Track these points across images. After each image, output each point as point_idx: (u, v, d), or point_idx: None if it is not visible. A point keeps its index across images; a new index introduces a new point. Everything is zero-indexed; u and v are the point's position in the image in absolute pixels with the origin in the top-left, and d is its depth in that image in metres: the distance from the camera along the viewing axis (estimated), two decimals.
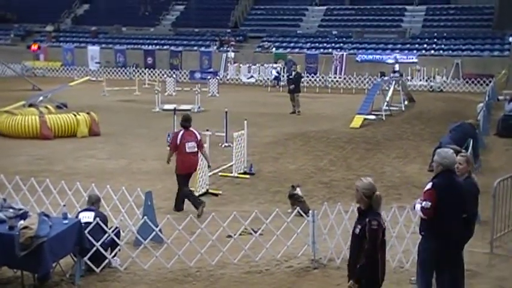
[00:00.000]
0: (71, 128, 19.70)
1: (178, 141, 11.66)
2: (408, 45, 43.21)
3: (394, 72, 40.57)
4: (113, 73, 44.13)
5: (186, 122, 11.80)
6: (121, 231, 8.89)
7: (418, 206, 6.87)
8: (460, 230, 6.86)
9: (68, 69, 46.00)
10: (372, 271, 5.84)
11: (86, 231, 8.02)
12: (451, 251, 6.81)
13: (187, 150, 11.62)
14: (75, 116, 19.95)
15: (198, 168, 12.24)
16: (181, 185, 11.70)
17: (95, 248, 8.09)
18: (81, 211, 8.56)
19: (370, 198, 6.12)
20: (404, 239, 8.72)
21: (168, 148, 12.38)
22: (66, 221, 7.82)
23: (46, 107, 22.01)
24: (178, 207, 11.68)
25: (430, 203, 6.67)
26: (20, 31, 52.71)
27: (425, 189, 6.86)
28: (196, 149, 11.76)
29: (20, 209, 7.97)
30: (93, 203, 8.72)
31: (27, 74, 42.70)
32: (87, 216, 8.36)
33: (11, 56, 45.13)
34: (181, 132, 11.78)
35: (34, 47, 48.53)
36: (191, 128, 11.85)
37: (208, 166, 12.32)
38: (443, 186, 6.72)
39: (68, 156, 16.69)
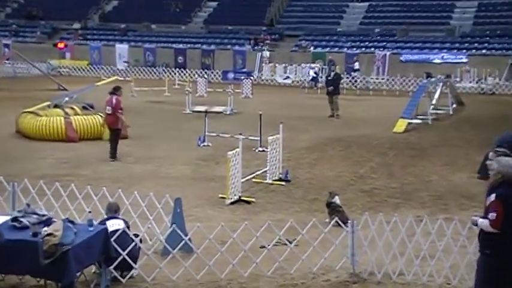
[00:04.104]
0: (98, 130, 19.89)
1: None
2: (457, 44, 42.71)
3: (355, 71, 40.46)
4: (141, 73, 44.62)
5: (113, 90, 16.86)
6: (149, 239, 8.92)
7: (483, 221, 6.66)
8: None
9: (95, 68, 46.67)
10: None
11: (113, 240, 8.09)
12: None
13: (106, 111, 16.80)
14: (102, 117, 20.17)
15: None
16: (109, 136, 16.95)
17: (121, 257, 8.16)
18: (108, 219, 8.59)
19: None
20: (452, 253, 8.60)
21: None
22: (91, 228, 7.90)
23: (72, 108, 22.29)
24: (112, 156, 16.57)
25: (496, 214, 6.50)
26: (46, 28, 53.72)
27: (490, 201, 6.67)
28: (110, 111, 16.52)
29: (44, 215, 8.09)
30: (116, 211, 8.75)
31: (53, 73, 43.46)
32: (117, 224, 8.41)
33: (37, 54, 45.96)
34: (107, 98, 16.84)
35: (60, 45, 49.41)
36: (113, 96, 16.61)
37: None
38: (508, 196, 6.55)
39: (94, 159, 16.88)
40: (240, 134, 14.21)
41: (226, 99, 27.02)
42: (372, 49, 43.37)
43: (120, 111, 16.67)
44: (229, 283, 8.49)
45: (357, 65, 41.33)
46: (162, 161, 16.86)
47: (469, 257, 8.45)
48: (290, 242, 9.11)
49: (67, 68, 47.07)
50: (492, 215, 6.53)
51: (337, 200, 11.71)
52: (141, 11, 51.57)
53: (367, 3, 49.30)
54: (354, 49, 43.82)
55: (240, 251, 8.67)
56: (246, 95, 33.04)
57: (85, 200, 10.34)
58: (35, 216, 7.97)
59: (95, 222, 8.17)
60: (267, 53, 44.05)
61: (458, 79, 38.16)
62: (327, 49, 44.32)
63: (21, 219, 7.88)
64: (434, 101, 26.34)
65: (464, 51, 41.52)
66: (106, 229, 8.16)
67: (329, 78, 27.78)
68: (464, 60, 40.34)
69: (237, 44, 47.43)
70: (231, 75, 42.23)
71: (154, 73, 44.58)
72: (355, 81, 39.35)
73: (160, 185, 13.89)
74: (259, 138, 17.88)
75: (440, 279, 8.51)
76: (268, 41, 46.21)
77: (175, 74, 41.29)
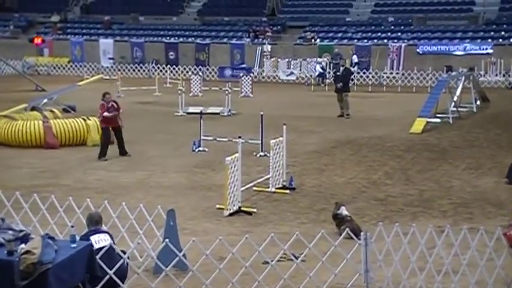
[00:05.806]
0: (80, 135, 19.95)
1: None
2: (481, 33, 42.69)
3: (353, 65, 39.99)
4: (129, 70, 44.65)
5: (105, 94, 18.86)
6: (139, 256, 8.91)
7: None
8: None
9: (76, 66, 46.72)
10: None
11: (99, 257, 8.07)
12: None
13: None
14: (84, 121, 20.21)
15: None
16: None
17: (107, 276, 8.15)
18: (91, 233, 8.56)
19: None
20: (478, 267, 8.60)
21: None
22: (74, 245, 7.89)
23: (51, 111, 22.36)
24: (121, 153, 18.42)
25: None
26: (21, 22, 53.75)
27: None
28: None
29: (21, 231, 8.08)
30: (98, 222, 8.73)
31: (29, 72, 43.48)
32: (103, 239, 8.38)
33: (11, 50, 46.02)
34: None
35: (37, 40, 49.42)
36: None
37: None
38: None
39: (77, 168, 16.90)
40: (239, 138, 14.21)
41: (223, 98, 27.04)
42: (385, 40, 43.37)
43: (100, 117, 18.38)
44: None
45: (355, 59, 41.17)
46: (152, 169, 16.87)
47: (498, 271, 8.45)
48: (296, 257, 9.11)
49: (45, 66, 47.11)
50: None
51: (343, 210, 11.73)
52: (127, 1, 51.66)
53: None
54: (365, 41, 43.83)
55: (241, 267, 8.67)
56: (246, 94, 33.08)
57: (67, 213, 10.34)
58: (10, 232, 7.95)
59: (78, 238, 8.16)
60: (268, 47, 44.07)
61: (482, 72, 38.16)
62: (335, 41, 44.35)
63: None
64: (455, 98, 26.33)
65: (489, 40, 41.50)
66: (90, 245, 8.15)
67: (338, 74, 27.82)
68: (490, 50, 40.32)
69: (235, 37, 47.46)
70: (228, 72, 42.27)
71: (143, 71, 44.61)
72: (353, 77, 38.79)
73: (151, 196, 13.92)
74: (260, 142, 17.91)
75: None
76: (269, 33, 46.24)
77: (166, 71, 41.32)
